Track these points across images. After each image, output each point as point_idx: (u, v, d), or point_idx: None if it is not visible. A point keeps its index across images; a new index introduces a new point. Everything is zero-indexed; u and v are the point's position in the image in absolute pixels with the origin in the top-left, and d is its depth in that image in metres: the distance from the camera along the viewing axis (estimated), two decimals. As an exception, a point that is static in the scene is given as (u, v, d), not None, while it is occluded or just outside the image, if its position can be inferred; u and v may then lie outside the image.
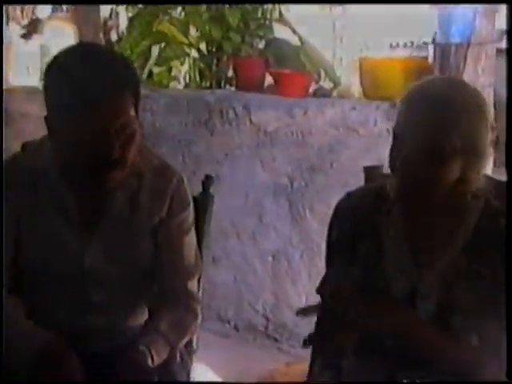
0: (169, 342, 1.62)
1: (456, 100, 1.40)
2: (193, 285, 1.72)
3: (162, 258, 1.67)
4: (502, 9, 2.95)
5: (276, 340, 3.20)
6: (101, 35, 4.01)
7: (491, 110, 1.47)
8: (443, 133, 1.39)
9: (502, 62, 2.93)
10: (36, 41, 4.08)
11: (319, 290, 1.64)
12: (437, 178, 1.42)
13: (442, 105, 1.40)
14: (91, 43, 1.98)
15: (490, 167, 2.01)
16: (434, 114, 1.40)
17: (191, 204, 1.71)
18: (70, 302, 1.64)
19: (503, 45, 3.09)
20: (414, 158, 1.41)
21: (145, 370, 1.53)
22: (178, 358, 1.71)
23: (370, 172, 1.81)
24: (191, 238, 1.72)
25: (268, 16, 3.77)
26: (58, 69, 1.50)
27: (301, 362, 2.81)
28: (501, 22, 2.93)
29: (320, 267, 2.87)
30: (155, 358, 1.57)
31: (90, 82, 1.44)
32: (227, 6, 3.60)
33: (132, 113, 1.51)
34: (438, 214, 1.49)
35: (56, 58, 1.52)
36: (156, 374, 1.55)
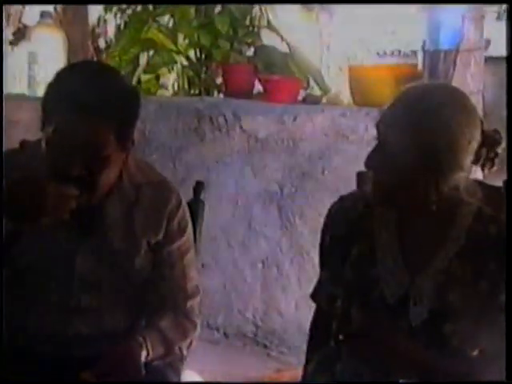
0: (166, 340, 1.62)
1: (433, 113, 1.38)
2: (194, 302, 1.72)
3: (161, 279, 1.67)
4: (488, 15, 2.98)
5: (265, 346, 3.19)
6: (89, 42, 4.00)
7: (477, 121, 1.44)
8: (414, 146, 1.37)
9: (490, 70, 2.96)
10: (23, 48, 4.05)
11: (313, 295, 1.64)
12: (406, 186, 1.41)
13: (416, 118, 1.38)
14: (104, 64, 2.01)
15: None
16: (409, 126, 1.38)
17: (189, 225, 1.71)
18: (57, 305, 1.62)
19: (490, 53, 3.11)
20: (386, 164, 1.41)
21: (135, 361, 1.53)
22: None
23: (363, 178, 1.81)
24: (191, 257, 1.71)
25: (256, 23, 3.78)
26: (58, 75, 1.54)
27: (291, 368, 2.81)
28: (488, 31, 2.95)
29: (310, 274, 2.89)
30: (150, 352, 1.57)
31: (75, 96, 1.45)
32: (216, 12, 3.60)
33: (109, 139, 1.50)
34: (427, 220, 1.48)
35: (66, 67, 1.61)
36: (143, 370, 1.54)
